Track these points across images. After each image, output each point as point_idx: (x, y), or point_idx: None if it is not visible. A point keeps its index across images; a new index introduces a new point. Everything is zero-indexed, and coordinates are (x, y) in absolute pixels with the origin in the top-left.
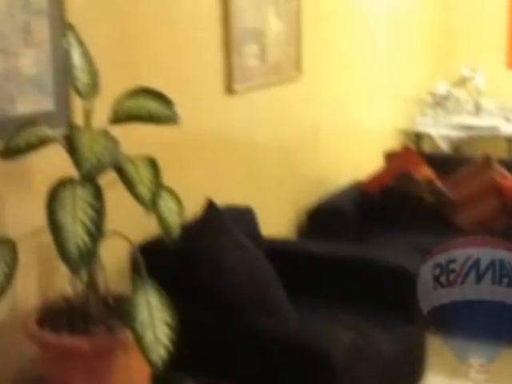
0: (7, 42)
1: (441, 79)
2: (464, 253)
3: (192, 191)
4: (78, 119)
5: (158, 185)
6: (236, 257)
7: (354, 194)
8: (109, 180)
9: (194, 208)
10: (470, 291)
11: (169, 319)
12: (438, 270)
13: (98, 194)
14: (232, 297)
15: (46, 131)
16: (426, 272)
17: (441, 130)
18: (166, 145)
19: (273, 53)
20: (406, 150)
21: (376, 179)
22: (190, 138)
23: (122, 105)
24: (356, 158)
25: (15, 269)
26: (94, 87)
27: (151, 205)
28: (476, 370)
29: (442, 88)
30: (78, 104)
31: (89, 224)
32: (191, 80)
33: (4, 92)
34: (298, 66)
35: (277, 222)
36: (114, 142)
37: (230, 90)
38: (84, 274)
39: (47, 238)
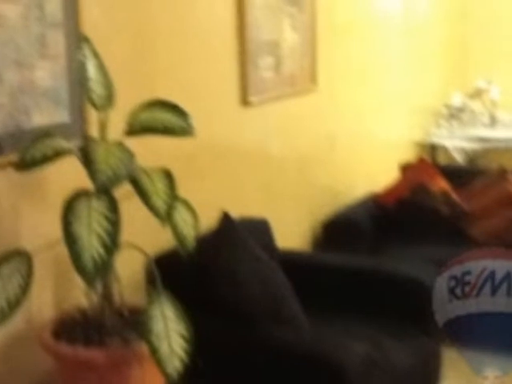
0: (23, 54)
1: (456, 91)
2: (479, 265)
3: (207, 203)
4: (94, 131)
5: (173, 197)
6: (251, 269)
7: (370, 206)
8: (124, 192)
9: (209, 220)
10: (485, 303)
11: (184, 331)
12: (453, 282)
13: (113, 206)
14: (247, 308)
15: (62, 143)
16: (441, 284)
17: (456, 142)
18: (181, 157)
19: (288, 65)
20: (421, 162)
21: (391, 191)
22: (205, 149)
23: (137, 117)
24: (371, 169)
25: (31, 281)
26: (109, 99)
27: (166, 217)
28: (491, 382)
29: (458, 100)
30: (93, 116)
31: (104, 236)
32: (206, 92)
33: (19, 104)
34: (313, 78)
35: (292, 233)
36: (129, 154)
37: (245, 101)
38: (99, 286)
39: (62, 250)
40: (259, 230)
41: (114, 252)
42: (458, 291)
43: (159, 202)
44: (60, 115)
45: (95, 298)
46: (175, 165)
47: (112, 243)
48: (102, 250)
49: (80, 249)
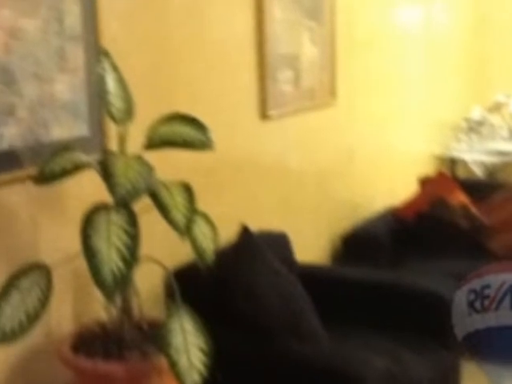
0: (42, 67)
1: (475, 105)
2: (498, 278)
3: (226, 216)
4: (113, 145)
5: (193, 210)
6: (270, 282)
7: (389, 220)
8: (143, 205)
9: (228, 233)
10: (504, 317)
11: (203, 344)
12: (472, 296)
13: (132, 219)
14: (266, 322)
15: (81, 157)
16: (460, 298)
17: (475, 156)
18: (201, 170)
19: (307, 78)
20: (440, 176)
21: (410, 205)
22: (225, 163)
23: (157, 130)
24: (390, 183)
25: (50, 294)
26: (128, 113)
27: (185, 230)
28: None
29: (477, 114)
30: (112, 129)
31: (123, 250)
32: (226, 105)
33: (38, 118)
34: (332, 92)
35: (311, 247)
36: (148, 167)
37: (264, 115)
38: (118, 300)
39: (82, 264)
40: (278, 243)
41: (133, 266)
42: (478, 305)
43: (178, 216)
44: (79, 129)
45: (114, 312)
46: (194, 178)
47: (131, 257)
48: (121, 264)
49: (99, 262)
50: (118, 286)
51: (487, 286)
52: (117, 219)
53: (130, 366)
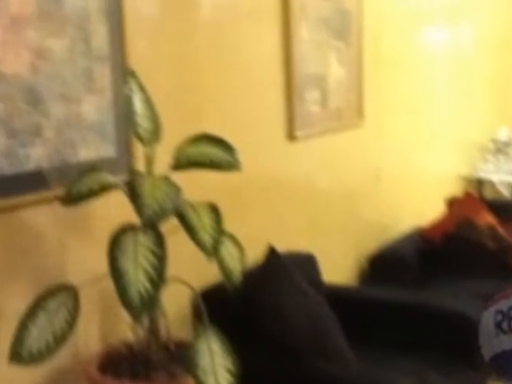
0: (69, 88)
1: (502, 126)
2: None
3: (253, 237)
4: (140, 165)
5: (220, 231)
6: (297, 303)
7: (416, 240)
8: (170, 226)
9: (255, 254)
10: None
11: (230, 365)
12: (499, 317)
13: (159, 240)
14: (293, 342)
15: (108, 177)
16: (487, 318)
17: (502, 177)
18: (228, 191)
19: (334, 99)
20: (467, 197)
21: (438, 225)
22: (252, 183)
23: (184, 151)
24: (417, 204)
25: (77, 315)
26: (155, 133)
27: (213, 251)
28: None
29: (504, 134)
30: (139, 150)
31: (150, 271)
32: (253, 126)
33: (66, 138)
34: (359, 112)
35: (338, 267)
36: (175, 188)
37: (291, 136)
38: (146, 321)
39: (109, 285)
40: (305, 264)
41: (160, 286)
42: (505, 325)
43: (206, 237)
44: (106, 149)
45: (141, 333)
46: (221, 199)
47: (158, 278)
48: (148, 285)
49: (126, 283)
50: (145, 307)
51: None
52: (144, 240)
53: None
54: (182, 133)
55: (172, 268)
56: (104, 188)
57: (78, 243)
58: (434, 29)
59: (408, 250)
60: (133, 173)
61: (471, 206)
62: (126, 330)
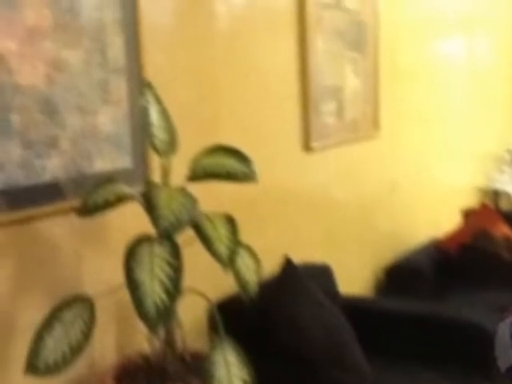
0: (85, 99)
1: None
2: None
3: (269, 248)
4: (156, 177)
5: (236, 242)
6: (313, 314)
7: (432, 252)
8: (186, 237)
9: (271, 265)
10: None
11: (246, 377)
12: None
13: (175, 251)
14: (309, 354)
15: (124, 189)
16: (503, 330)
17: None
18: (244, 202)
19: (350, 110)
20: (483, 208)
21: (453, 237)
22: (268, 195)
23: (200, 162)
24: (433, 215)
25: (93, 326)
26: (171, 145)
27: (229, 262)
28: None
29: None
30: (155, 161)
31: (166, 282)
32: (269, 137)
33: (81, 149)
34: (375, 123)
35: (354, 279)
36: (191, 199)
37: (307, 147)
38: (161, 332)
39: (125, 296)
40: (321, 275)
41: (176, 298)
42: None
43: (222, 248)
44: (122, 161)
45: (157, 344)
46: (237, 210)
47: (174, 289)
48: (164, 296)
49: (142, 295)
50: (161, 318)
51: None
52: (160, 251)
53: None
54: (198, 144)
55: (188, 279)
56: (120, 199)
57: (94, 254)
58: (449, 40)
59: (424, 261)
60: (149, 184)
61: (487, 217)
62: (142, 341)
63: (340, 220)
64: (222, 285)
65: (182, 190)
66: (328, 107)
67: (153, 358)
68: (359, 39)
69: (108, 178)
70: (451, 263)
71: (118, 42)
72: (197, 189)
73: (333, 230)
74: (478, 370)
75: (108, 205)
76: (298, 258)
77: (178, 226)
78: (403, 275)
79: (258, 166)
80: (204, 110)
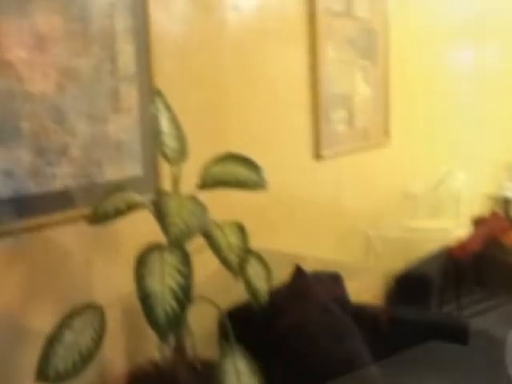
0: (95, 107)
1: None
2: None
3: (280, 256)
4: (166, 185)
5: (246, 250)
6: (323, 322)
7: (442, 260)
8: (196, 245)
9: (281, 273)
10: None
11: None
12: None
13: (185, 259)
14: (319, 362)
15: (134, 197)
16: None
17: None
18: (254, 209)
19: (360, 118)
20: (494, 216)
21: (464, 245)
22: (278, 202)
23: (210, 170)
24: (443, 222)
25: (103, 334)
26: (182, 153)
27: (239, 270)
28: None
29: None
30: (165, 169)
31: (177, 290)
32: (279, 145)
33: (92, 157)
34: (386, 131)
35: (365, 287)
36: (201, 207)
37: (317, 155)
38: (172, 340)
39: (135, 304)
40: (332, 283)
41: (186, 305)
42: None
43: (232, 256)
44: (132, 169)
45: (168, 352)
46: (247, 218)
47: (185, 297)
48: (174, 304)
49: (153, 302)
50: (171, 326)
51: None
52: (170, 259)
53: None
54: (208, 152)
55: (198, 287)
56: (130, 207)
57: (105, 262)
58: (460, 48)
59: (434, 270)
60: (159, 192)
61: (498, 225)
62: (153, 349)
63: (350, 228)
64: (232, 293)
65: (192, 198)
66: (338, 115)
67: (163, 366)
68: (369, 47)
69: (118, 186)
70: (461, 271)
71: (129, 50)
72: (207, 197)
73: (343, 237)
74: (489, 378)
75: (118, 213)
76: (308, 266)
77: (188, 233)
78: (414, 283)
79: (268, 173)
80: (214, 118)
